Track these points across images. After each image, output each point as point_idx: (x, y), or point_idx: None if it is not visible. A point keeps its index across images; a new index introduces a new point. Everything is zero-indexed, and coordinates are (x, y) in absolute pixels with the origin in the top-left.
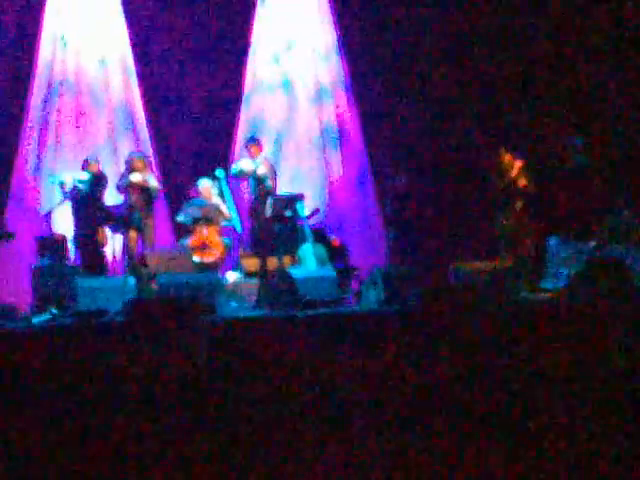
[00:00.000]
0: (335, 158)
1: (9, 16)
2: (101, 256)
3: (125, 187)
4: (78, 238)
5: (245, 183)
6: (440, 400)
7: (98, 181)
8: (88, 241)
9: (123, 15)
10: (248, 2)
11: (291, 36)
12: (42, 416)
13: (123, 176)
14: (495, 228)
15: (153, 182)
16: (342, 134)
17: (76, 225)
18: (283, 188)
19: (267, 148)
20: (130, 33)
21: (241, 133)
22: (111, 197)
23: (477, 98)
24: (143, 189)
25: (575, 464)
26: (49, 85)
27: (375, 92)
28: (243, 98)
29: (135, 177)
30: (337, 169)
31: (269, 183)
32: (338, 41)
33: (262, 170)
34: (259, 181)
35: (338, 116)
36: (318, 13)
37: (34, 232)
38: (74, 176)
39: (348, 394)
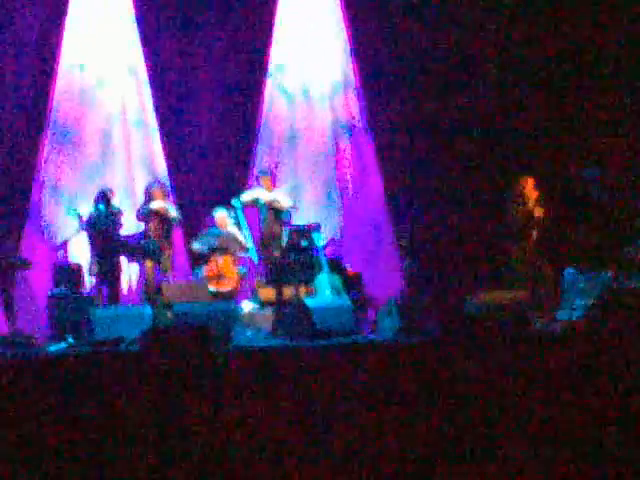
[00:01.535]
0: (350, 186)
1: (28, 41)
2: (116, 286)
3: (145, 215)
4: (93, 268)
5: (260, 212)
6: (455, 430)
7: (114, 212)
8: (103, 271)
9: (140, 44)
10: (262, 26)
11: (306, 44)
12: (58, 444)
13: (143, 205)
14: (511, 258)
15: (173, 211)
16: (357, 162)
17: (92, 255)
18: (298, 214)
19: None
20: (147, 61)
21: (257, 162)
22: (127, 227)
23: (493, 128)
24: (163, 218)
25: None
26: (66, 114)
27: (392, 124)
28: (260, 126)
29: (156, 205)
30: (352, 197)
31: (285, 212)
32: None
33: (275, 199)
34: (275, 211)
35: (353, 147)
36: (332, 17)
37: (50, 261)
38: (91, 207)
39: (365, 424)
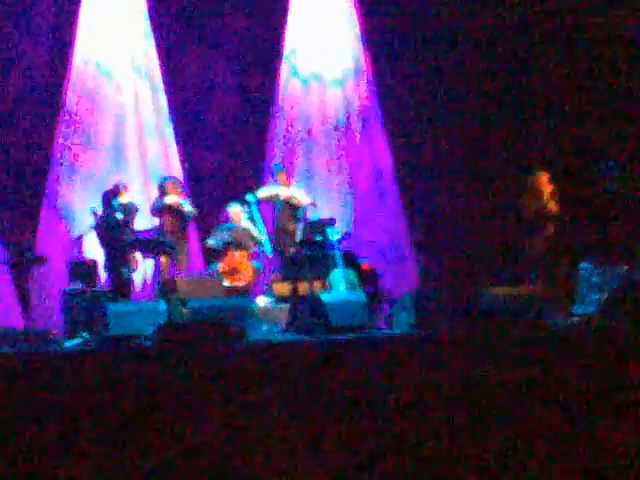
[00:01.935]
0: (364, 180)
1: (42, 40)
2: (129, 281)
3: (160, 210)
4: (107, 264)
5: (276, 208)
6: (469, 428)
7: (128, 207)
8: (117, 267)
9: (153, 38)
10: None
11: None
12: (72, 440)
13: (157, 199)
14: (525, 252)
15: (187, 206)
16: (370, 156)
17: (106, 251)
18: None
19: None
20: (159, 56)
21: (271, 156)
22: (142, 222)
23: (511, 121)
24: (177, 212)
25: None
26: (78, 111)
27: (405, 114)
28: (274, 120)
29: (170, 199)
30: (366, 190)
31: (301, 209)
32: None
33: (293, 195)
34: (291, 207)
35: (364, 137)
36: (345, 4)
37: (65, 257)
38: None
39: (378, 419)
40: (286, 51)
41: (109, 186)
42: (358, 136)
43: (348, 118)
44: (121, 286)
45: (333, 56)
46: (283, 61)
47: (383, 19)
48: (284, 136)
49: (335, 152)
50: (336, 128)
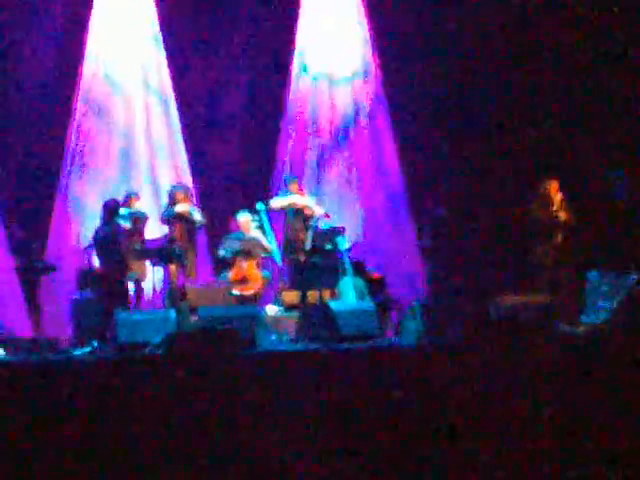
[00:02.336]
0: (372, 189)
1: (51, 45)
2: (125, 289)
3: (169, 218)
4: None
5: (287, 217)
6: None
7: (139, 216)
8: (117, 274)
9: (163, 46)
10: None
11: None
12: (81, 447)
13: (167, 208)
14: (535, 261)
15: (197, 215)
16: (380, 165)
17: (104, 259)
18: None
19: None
20: (170, 64)
21: (281, 167)
22: (152, 230)
23: (522, 128)
24: (186, 221)
25: None
26: (89, 120)
27: (413, 122)
28: (282, 131)
29: (180, 207)
30: (374, 198)
31: (314, 219)
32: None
33: (307, 205)
34: (303, 217)
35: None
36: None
37: (75, 265)
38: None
39: (388, 426)
40: (296, 54)
41: (119, 195)
42: (366, 137)
43: (357, 118)
44: (122, 295)
45: (342, 56)
46: (294, 65)
47: (391, 19)
48: (294, 142)
49: (344, 157)
50: (345, 129)
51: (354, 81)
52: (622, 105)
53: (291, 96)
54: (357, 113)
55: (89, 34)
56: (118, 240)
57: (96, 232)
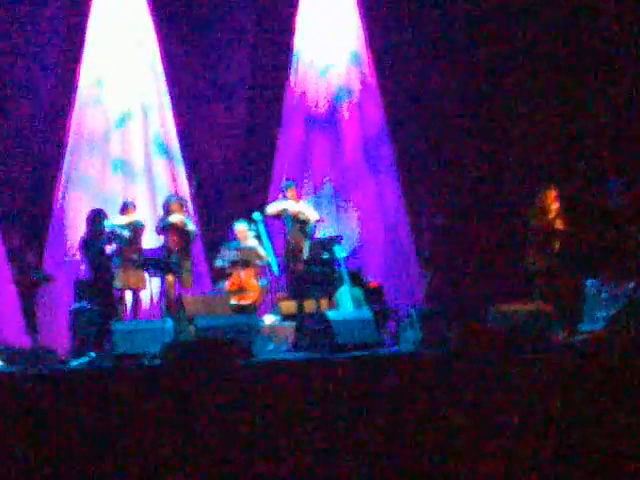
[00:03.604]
0: (370, 198)
1: (49, 58)
2: (113, 299)
3: (164, 229)
4: (97, 280)
5: (286, 225)
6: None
7: (136, 225)
8: (107, 285)
9: (159, 57)
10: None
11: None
12: (79, 458)
13: (162, 218)
14: (532, 270)
15: (191, 225)
16: (376, 171)
17: (92, 267)
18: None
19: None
20: (167, 75)
21: (278, 176)
22: (148, 240)
23: (516, 139)
24: (182, 231)
25: None
26: (85, 130)
27: (412, 130)
28: (280, 136)
29: (175, 218)
30: (372, 207)
31: (310, 226)
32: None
33: (301, 211)
34: (301, 224)
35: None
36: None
37: (72, 276)
38: (113, 221)
39: (386, 436)
40: (294, 59)
41: (116, 205)
42: (362, 141)
43: (351, 118)
44: (111, 305)
45: (337, 51)
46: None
47: (385, 15)
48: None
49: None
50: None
51: (348, 67)
52: (620, 114)
53: (289, 94)
54: (352, 113)
55: (86, 41)
56: (102, 249)
57: (81, 240)
